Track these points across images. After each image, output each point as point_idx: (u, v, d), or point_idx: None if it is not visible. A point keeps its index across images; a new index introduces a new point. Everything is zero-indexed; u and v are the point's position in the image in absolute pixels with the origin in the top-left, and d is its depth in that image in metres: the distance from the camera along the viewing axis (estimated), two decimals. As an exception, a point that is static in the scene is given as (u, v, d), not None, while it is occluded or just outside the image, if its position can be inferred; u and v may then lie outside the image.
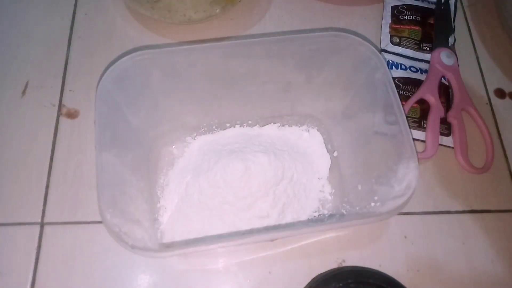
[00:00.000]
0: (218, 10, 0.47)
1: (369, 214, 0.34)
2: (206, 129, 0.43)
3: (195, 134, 0.43)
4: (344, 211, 0.38)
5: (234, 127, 0.43)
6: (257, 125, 0.43)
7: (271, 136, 0.42)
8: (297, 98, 0.42)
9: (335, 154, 0.42)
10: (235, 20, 0.50)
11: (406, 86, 0.45)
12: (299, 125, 0.44)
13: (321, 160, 0.42)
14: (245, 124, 0.43)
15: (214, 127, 0.43)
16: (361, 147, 0.39)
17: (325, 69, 0.39)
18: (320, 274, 0.36)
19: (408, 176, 0.31)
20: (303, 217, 0.38)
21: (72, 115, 0.44)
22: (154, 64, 0.36)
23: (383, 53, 0.48)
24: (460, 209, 0.40)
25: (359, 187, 0.38)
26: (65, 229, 0.38)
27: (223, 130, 0.43)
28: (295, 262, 0.37)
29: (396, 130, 0.33)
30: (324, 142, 0.43)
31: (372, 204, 0.34)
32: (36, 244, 0.37)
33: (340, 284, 0.34)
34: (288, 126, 0.43)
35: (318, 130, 0.43)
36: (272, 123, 0.43)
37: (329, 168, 0.41)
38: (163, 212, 0.38)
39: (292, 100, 0.42)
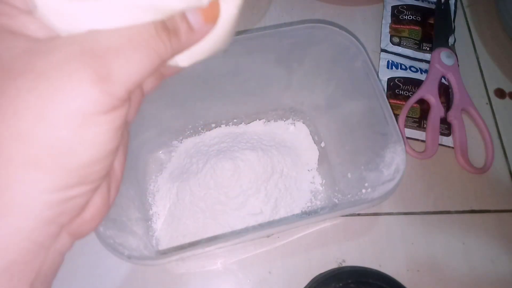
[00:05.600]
0: (218, 10, 0.47)
1: (361, 201, 0.34)
2: (191, 131, 0.42)
3: (181, 138, 0.42)
4: (336, 200, 0.38)
5: (220, 127, 0.43)
6: (243, 123, 0.43)
7: (257, 133, 0.42)
8: (280, 92, 0.42)
9: (323, 144, 0.42)
10: (235, 20, 0.50)
11: (406, 86, 0.45)
12: (284, 119, 0.43)
13: (309, 152, 0.42)
14: (230, 123, 0.43)
15: (199, 128, 0.43)
16: (347, 136, 0.39)
17: (305, 62, 0.39)
18: (320, 274, 0.36)
19: (396, 160, 0.31)
20: (296, 210, 0.38)
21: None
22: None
23: (383, 52, 0.47)
24: (460, 209, 0.40)
25: (349, 175, 0.38)
26: (65, 229, 0.38)
27: (209, 131, 0.42)
28: (295, 261, 0.37)
29: (380, 115, 0.33)
30: (311, 134, 0.43)
31: (363, 190, 0.34)
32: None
33: (340, 284, 0.34)
34: (274, 121, 0.43)
35: (303, 123, 0.43)
36: (257, 120, 0.43)
37: (318, 159, 0.41)
38: (156, 219, 0.38)
39: (276, 95, 0.42)
